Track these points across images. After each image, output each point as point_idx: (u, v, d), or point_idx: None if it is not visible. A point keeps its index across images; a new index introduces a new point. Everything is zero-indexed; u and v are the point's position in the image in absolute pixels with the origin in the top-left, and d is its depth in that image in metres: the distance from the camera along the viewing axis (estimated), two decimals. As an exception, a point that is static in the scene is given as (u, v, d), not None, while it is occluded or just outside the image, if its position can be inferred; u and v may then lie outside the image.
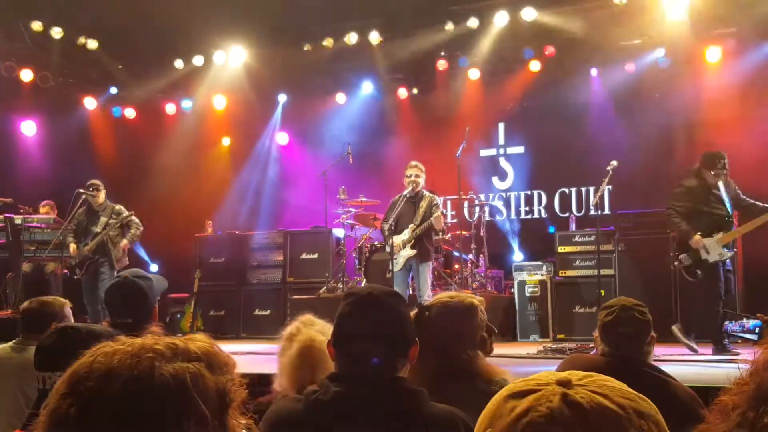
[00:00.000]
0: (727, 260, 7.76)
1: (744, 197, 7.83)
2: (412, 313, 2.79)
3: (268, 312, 11.82)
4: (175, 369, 1.26)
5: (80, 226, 10.05)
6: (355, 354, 2.24)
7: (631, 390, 1.08)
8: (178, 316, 12.04)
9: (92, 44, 12.96)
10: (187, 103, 14.31)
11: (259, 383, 3.55)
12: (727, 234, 7.68)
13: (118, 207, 10.12)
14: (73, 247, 9.92)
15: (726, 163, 7.67)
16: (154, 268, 13.15)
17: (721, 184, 7.76)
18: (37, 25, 12.27)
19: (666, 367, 3.54)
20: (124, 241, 9.93)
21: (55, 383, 1.30)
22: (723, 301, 7.75)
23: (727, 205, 7.76)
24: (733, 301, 8.15)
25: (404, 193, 9.15)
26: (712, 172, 7.64)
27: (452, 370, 2.81)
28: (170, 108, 14.38)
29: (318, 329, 3.03)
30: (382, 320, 2.27)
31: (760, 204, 7.75)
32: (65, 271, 11.02)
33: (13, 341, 4.35)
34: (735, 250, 7.92)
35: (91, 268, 9.87)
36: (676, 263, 8.10)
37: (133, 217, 10.07)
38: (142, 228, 10.17)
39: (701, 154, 8.04)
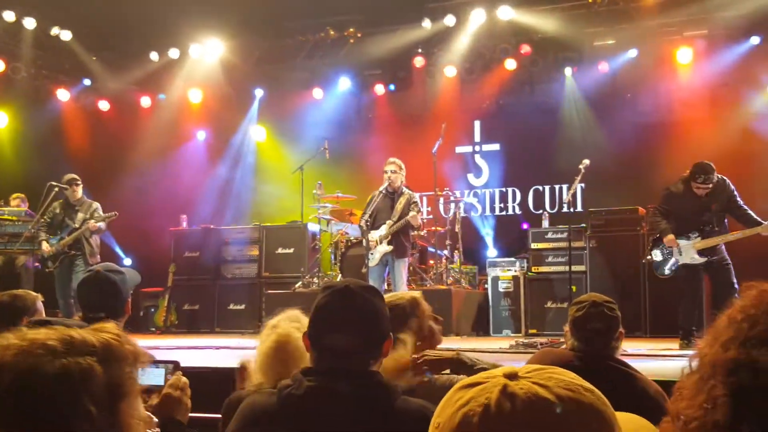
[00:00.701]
0: (719, 260, 7.81)
1: (740, 205, 7.78)
2: None
3: (242, 306, 11.82)
4: (63, 365, 1.31)
5: (56, 220, 9.95)
6: (329, 347, 2.25)
7: (578, 382, 1.08)
8: (152, 310, 12.00)
9: (65, 35, 12.84)
10: (162, 96, 14.21)
11: (233, 378, 3.59)
12: (705, 240, 7.79)
13: (95, 205, 10.04)
14: (45, 246, 9.80)
15: (708, 178, 7.64)
16: (128, 262, 13.10)
17: (708, 194, 7.81)
18: (9, 16, 12.12)
19: (632, 362, 3.63)
20: (92, 223, 9.74)
21: None
22: (693, 299, 7.90)
23: (712, 212, 7.82)
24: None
25: (381, 188, 9.19)
26: (693, 184, 7.75)
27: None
28: (145, 101, 14.27)
29: (298, 326, 3.07)
30: (358, 314, 2.28)
31: (752, 215, 7.71)
32: (36, 264, 10.94)
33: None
34: (710, 258, 7.88)
35: (66, 262, 9.81)
36: (646, 258, 8.29)
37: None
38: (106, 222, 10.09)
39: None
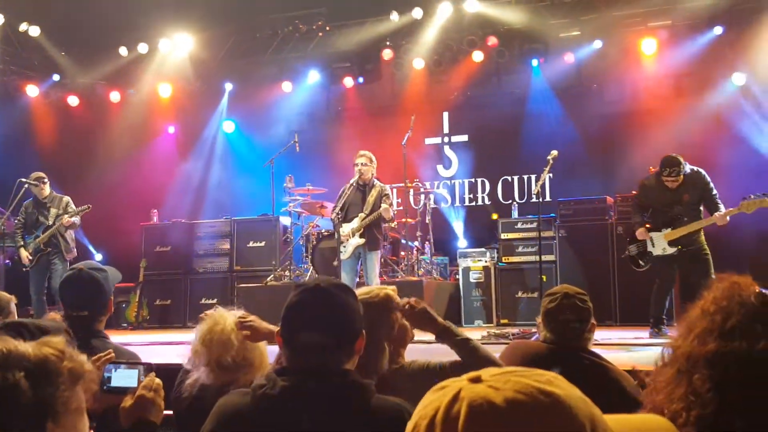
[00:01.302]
0: (696, 250, 7.94)
1: (712, 195, 7.85)
2: None
3: (214, 301, 11.77)
4: None
5: (29, 219, 9.87)
6: (301, 345, 2.25)
7: (537, 384, 1.03)
8: (124, 305, 11.94)
9: (34, 31, 12.74)
10: (131, 91, 14.14)
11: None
12: (673, 231, 7.94)
13: (66, 199, 9.96)
14: (24, 254, 9.73)
15: (674, 171, 7.71)
16: (98, 257, 13.04)
17: (681, 184, 7.93)
18: (-23, 12, 12.03)
19: (603, 351, 3.73)
20: (66, 218, 9.66)
21: None
22: (664, 289, 8.06)
23: (684, 204, 7.92)
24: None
25: (352, 181, 9.24)
26: (663, 178, 7.89)
27: (368, 364, 2.84)
28: (114, 96, 14.19)
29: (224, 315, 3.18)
30: (329, 312, 2.27)
31: (717, 205, 7.79)
32: (7, 261, 10.87)
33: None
34: (684, 248, 7.98)
35: (42, 260, 9.74)
36: (625, 254, 8.49)
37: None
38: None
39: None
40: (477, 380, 1.05)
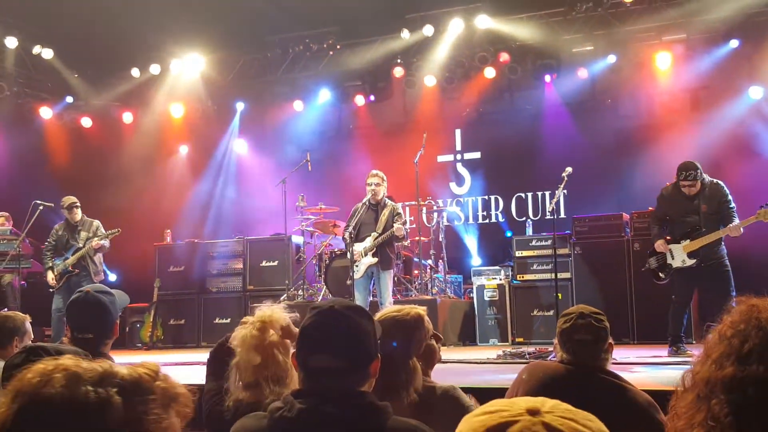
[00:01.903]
0: (716, 264, 7.84)
1: (728, 208, 7.75)
2: None
3: (228, 320, 11.77)
4: (76, 392, 1.34)
5: (60, 242, 10.07)
6: (317, 368, 2.24)
7: (588, 414, 1.14)
8: (138, 325, 11.97)
9: (47, 53, 12.85)
10: (144, 112, 14.21)
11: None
12: (692, 242, 7.83)
13: (96, 223, 10.20)
14: (50, 276, 9.92)
15: (690, 174, 7.68)
16: (112, 277, 13.03)
17: (699, 193, 7.84)
18: (-9, 35, 12.14)
19: (623, 372, 3.65)
20: (96, 241, 9.90)
21: None
22: (679, 304, 7.94)
23: (702, 214, 7.84)
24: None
25: (365, 200, 9.20)
26: (680, 184, 7.81)
27: (398, 383, 2.87)
28: (127, 116, 14.28)
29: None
30: (344, 335, 2.26)
31: (731, 217, 7.69)
32: (23, 282, 10.94)
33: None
34: (703, 262, 7.77)
35: (71, 282, 9.81)
36: (645, 266, 8.31)
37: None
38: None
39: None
40: (535, 413, 1.10)
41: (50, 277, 9.91)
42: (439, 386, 3.08)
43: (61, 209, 10.06)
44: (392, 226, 8.89)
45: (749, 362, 1.44)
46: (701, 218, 7.80)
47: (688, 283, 7.94)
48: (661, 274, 8.09)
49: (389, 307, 3.13)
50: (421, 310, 3.13)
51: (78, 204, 10.13)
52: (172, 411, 1.46)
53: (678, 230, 7.94)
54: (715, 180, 7.88)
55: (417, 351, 3.02)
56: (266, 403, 2.83)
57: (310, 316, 2.32)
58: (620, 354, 7.10)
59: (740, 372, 1.43)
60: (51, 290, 9.97)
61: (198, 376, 6.37)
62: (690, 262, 7.81)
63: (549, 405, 1.13)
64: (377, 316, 3.08)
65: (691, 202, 7.83)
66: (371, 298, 9.20)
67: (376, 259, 8.93)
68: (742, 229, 7.61)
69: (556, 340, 3.53)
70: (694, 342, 8.42)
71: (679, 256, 7.87)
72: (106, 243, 10.05)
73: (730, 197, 7.79)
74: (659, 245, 7.98)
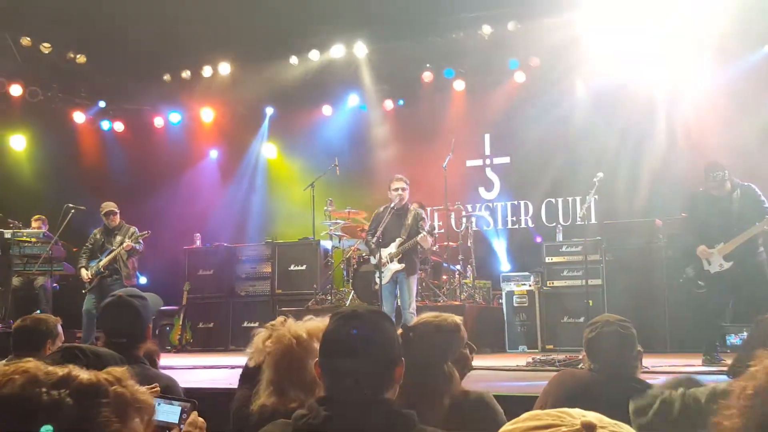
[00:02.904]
0: (753, 268, 7.72)
1: (763, 206, 7.64)
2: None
3: (256, 324, 11.70)
4: (26, 392, 1.45)
5: (96, 245, 10.26)
6: (340, 374, 2.22)
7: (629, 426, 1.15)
8: (168, 328, 12.06)
9: (81, 58, 13.01)
10: (175, 117, 14.35)
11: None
12: (726, 245, 7.70)
13: (133, 229, 10.33)
14: (84, 273, 10.08)
15: (718, 174, 7.63)
16: (143, 280, 13.13)
17: (730, 194, 7.76)
18: (26, 41, 12.33)
19: (655, 381, 3.60)
20: (127, 242, 10.08)
21: None
22: (714, 313, 7.82)
23: (734, 215, 7.74)
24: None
25: (390, 205, 9.14)
26: (709, 186, 7.73)
27: (434, 388, 2.85)
28: (158, 121, 14.44)
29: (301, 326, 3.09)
30: (367, 340, 2.24)
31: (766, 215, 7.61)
32: (55, 285, 11.08)
33: (5, 359, 4.37)
34: (740, 263, 7.68)
35: (103, 284, 9.93)
36: (683, 276, 8.11)
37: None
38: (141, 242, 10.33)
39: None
40: (592, 427, 1.11)
41: (84, 274, 10.06)
42: (472, 392, 3.06)
43: (101, 215, 10.27)
44: (417, 232, 8.83)
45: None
46: (733, 219, 7.69)
47: (725, 288, 7.79)
48: (700, 282, 7.91)
49: (428, 314, 3.11)
50: (458, 318, 3.11)
51: (115, 211, 10.30)
52: (129, 416, 1.53)
53: (712, 234, 7.80)
54: (747, 183, 7.79)
55: (452, 357, 2.99)
56: (290, 408, 2.83)
57: (332, 322, 2.31)
58: (652, 363, 7.02)
59: None
60: (83, 291, 10.08)
61: (225, 379, 6.40)
62: (727, 265, 7.67)
63: (599, 421, 1.14)
64: (414, 320, 3.08)
65: (723, 204, 7.73)
66: (397, 303, 9.16)
67: (402, 266, 8.87)
68: None
69: (583, 351, 3.51)
70: (729, 351, 8.29)
71: (716, 260, 7.73)
72: (138, 246, 10.17)
73: (763, 198, 7.69)
74: (702, 251, 7.79)
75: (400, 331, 2.86)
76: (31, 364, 1.50)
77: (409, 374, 2.41)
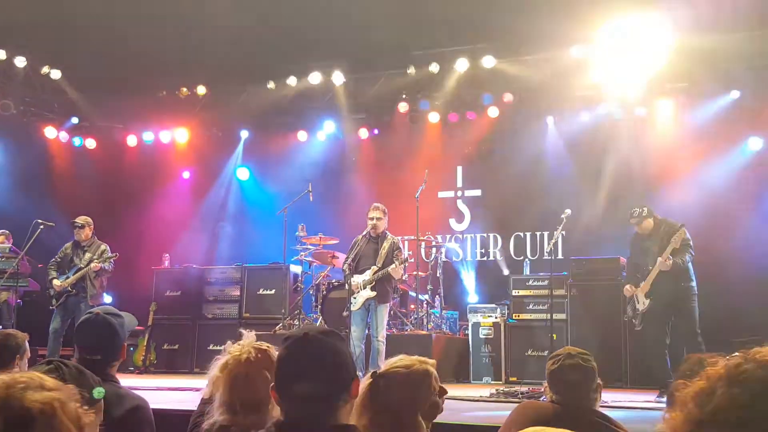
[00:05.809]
0: (682, 305, 7.96)
1: (683, 246, 8.00)
2: (367, 382, 2.86)
3: (222, 347, 11.70)
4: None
5: (65, 259, 10.17)
6: (296, 396, 2.24)
7: None
8: (131, 349, 11.90)
9: (55, 74, 12.97)
10: (148, 135, 14.31)
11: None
12: (644, 284, 8.10)
13: (103, 246, 10.27)
14: (57, 282, 9.98)
15: (636, 212, 8.26)
16: (108, 299, 13.01)
17: (653, 232, 8.14)
18: (0, 54, 12.26)
19: (613, 413, 3.68)
20: (96, 263, 9.99)
21: None
22: (657, 349, 8.05)
23: (651, 253, 8.09)
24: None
25: (364, 233, 9.26)
26: (631, 221, 8.18)
27: None
28: (132, 140, 14.37)
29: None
30: (320, 360, 2.26)
31: (684, 256, 8.01)
32: (18, 300, 10.95)
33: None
34: (663, 302, 8.06)
35: (69, 301, 9.84)
36: (626, 316, 8.66)
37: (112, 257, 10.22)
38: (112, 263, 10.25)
39: None
40: None
41: (56, 283, 9.96)
42: None
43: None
44: (392, 261, 8.92)
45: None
46: (650, 257, 8.01)
47: (657, 324, 8.11)
48: (634, 321, 8.28)
49: (398, 359, 3.06)
50: (430, 365, 3.07)
51: (81, 224, 10.21)
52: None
53: (639, 273, 8.19)
54: (673, 221, 8.15)
55: (422, 407, 2.99)
56: (241, 426, 2.88)
57: (284, 345, 2.32)
58: (612, 397, 7.13)
59: None
60: (51, 307, 9.98)
61: (190, 401, 6.37)
62: (647, 302, 8.02)
63: None
64: (384, 367, 3.06)
65: (645, 243, 8.11)
66: (367, 331, 9.21)
67: (374, 293, 8.95)
68: (670, 262, 7.85)
69: (545, 382, 3.59)
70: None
71: (641, 299, 8.12)
72: (107, 266, 10.10)
73: (685, 236, 8.03)
74: (626, 290, 8.34)
75: (370, 379, 2.91)
76: None
77: (378, 420, 2.45)
